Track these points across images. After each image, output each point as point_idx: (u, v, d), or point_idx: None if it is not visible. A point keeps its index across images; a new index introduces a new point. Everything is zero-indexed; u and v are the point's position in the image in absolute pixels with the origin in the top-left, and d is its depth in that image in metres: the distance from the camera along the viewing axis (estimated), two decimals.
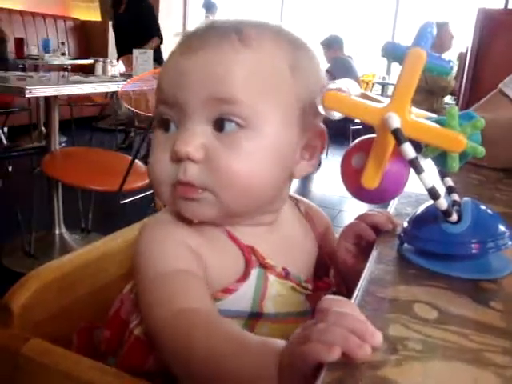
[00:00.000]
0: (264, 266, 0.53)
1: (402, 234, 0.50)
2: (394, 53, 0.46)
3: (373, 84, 5.65)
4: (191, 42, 0.51)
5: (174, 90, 0.50)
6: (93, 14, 6.15)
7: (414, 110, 0.52)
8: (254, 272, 0.53)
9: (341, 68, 4.60)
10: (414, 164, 0.42)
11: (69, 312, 0.61)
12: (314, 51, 0.57)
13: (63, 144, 3.54)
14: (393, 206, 0.64)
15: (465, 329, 0.36)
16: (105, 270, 0.62)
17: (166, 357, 0.45)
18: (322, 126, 0.55)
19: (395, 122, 0.43)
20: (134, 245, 0.53)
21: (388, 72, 5.98)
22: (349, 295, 0.40)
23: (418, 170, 0.42)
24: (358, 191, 0.49)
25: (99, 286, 0.63)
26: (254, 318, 0.52)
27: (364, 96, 0.54)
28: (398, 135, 0.42)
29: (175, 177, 0.49)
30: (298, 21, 6.86)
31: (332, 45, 4.82)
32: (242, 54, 0.49)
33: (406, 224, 0.50)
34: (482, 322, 0.37)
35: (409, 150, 0.42)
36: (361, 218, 0.59)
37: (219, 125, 0.48)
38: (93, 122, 4.63)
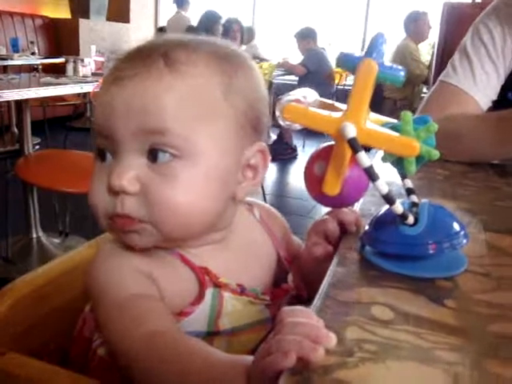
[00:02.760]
0: (218, 285, 0.53)
1: (363, 236, 0.52)
2: (347, 64, 0.48)
3: (347, 75, 5.69)
4: (120, 69, 0.50)
5: (105, 121, 0.49)
6: (62, 12, 6.04)
7: (373, 115, 0.54)
8: (209, 292, 0.53)
9: (314, 60, 4.63)
10: (369, 172, 0.44)
11: (45, 323, 0.62)
12: (252, 66, 0.55)
13: (37, 147, 3.49)
14: (358, 206, 0.66)
15: (419, 328, 0.38)
16: (80, 280, 0.63)
17: (136, 378, 0.45)
18: (263, 144, 0.55)
19: (351, 131, 0.45)
20: (87, 274, 0.52)
21: None
22: (310, 297, 0.42)
23: (373, 178, 0.44)
24: (321, 197, 0.51)
25: (74, 295, 0.64)
26: (210, 335, 0.52)
27: (322, 103, 0.56)
28: (353, 144, 0.44)
29: (113, 209, 0.48)
30: (270, 12, 6.86)
31: (305, 37, 4.84)
32: (169, 82, 0.48)
33: (367, 226, 0.52)
34: (436, 321, 0.39)
35: (364, 158, 0.44)
36: (330, 213, 0.60)
37: (153, 155, 0.48)
38: (67, 122, 4.57)
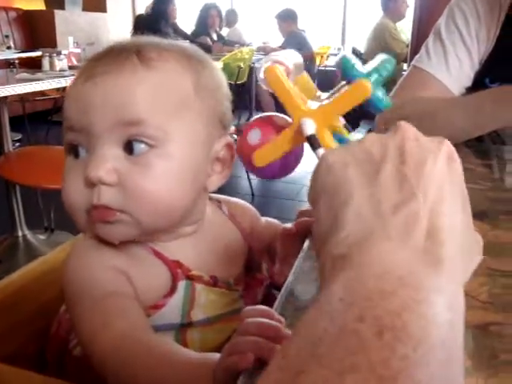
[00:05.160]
0: (190, 277, 0.54)
1: None
2: (346, 72, 0.46)
3: (328, 56, 5.67)
4: (93, 68, 0.51)
5: (80, 116, 0.50)
6: (36, 3, 5.91)
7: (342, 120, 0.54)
8: (181, 285, 0.54)
9: (294, 43, 4.60)
10: None
11: (20, 328, 0.62)
12: (216, 68, 0.58)
13: (17, 144, 3.45)
14: None
15: None
16: (52, 284, 0.63)
17: (108, 379, 0.46)
18: (230, 138, 0.57)
19: (309, 128, 0.45)
20: (62, 273, 0.53)
21: (343, 43, 6.00)
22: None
23: None
24: (251, 166, 0.52)
25: (49, 298, 0.64)
26: (184, 327, 0.54)
27: (301, 79, 0.56)
28: (312, 141, 0.44)
29: (90, 202, 0.49)
30: None
31: (286, 18, 4.84)
32: (143, 76, 0.50)
33: None
34: None
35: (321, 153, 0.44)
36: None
37: (129, 147, 0.49)
38: (48, 116, 4.51)
